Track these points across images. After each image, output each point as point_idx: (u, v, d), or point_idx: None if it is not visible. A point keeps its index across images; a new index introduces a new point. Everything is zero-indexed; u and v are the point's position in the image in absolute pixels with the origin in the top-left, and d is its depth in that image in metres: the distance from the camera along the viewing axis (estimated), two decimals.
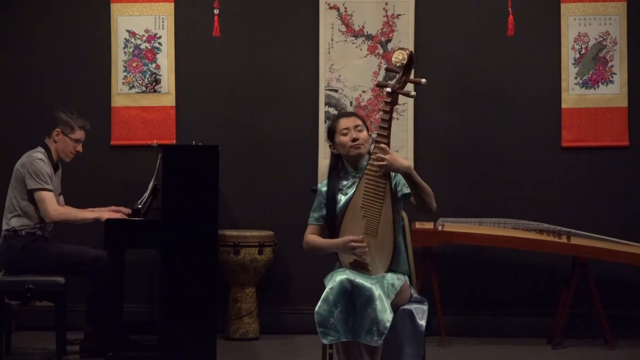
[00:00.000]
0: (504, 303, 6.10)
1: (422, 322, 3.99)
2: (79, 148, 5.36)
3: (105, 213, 5.25)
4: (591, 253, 5.61)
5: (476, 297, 6.11)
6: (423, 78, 4.06)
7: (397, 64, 4.04)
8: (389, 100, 4.02)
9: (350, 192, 4.12)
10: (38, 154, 5.22)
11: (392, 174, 4.04)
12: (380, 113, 4.05)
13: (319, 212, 4.22)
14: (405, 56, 4.02)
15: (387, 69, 4.17)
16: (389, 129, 4.01)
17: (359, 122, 4.19)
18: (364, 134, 4.16)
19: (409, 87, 4.08)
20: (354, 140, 4.12)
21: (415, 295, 4.17)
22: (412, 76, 4.09)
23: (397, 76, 4.04)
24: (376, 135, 4.03)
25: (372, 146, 4.10)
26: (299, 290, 6.16)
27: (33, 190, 5.13)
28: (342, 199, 4.14)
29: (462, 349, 5.68)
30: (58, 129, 5.28)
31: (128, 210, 5.35)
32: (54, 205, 5.14)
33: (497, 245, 5.73)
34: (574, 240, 5.64)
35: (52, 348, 5.13)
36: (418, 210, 4.11)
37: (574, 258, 5.74)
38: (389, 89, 4.03)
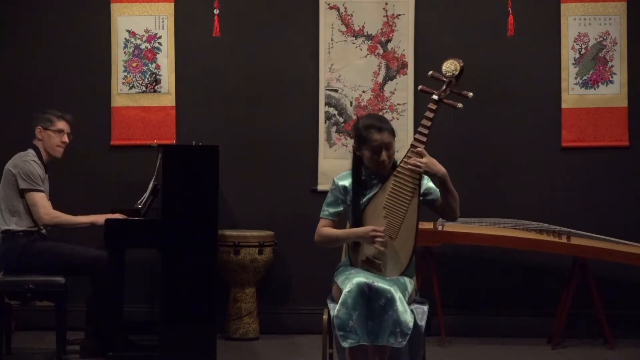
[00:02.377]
0: (504, 303, 6.11)
1: (422, 323, 3.98)
2: (65, 139, 5.32)
3: (101, 218, 5.19)
4: (591, 253, 5.61)
5: (476, 297, 6.12)
6: (470, 92, 4.01)
7: (447, 74, 4.02)
8: (433, 108, 4.00)
9: (369, 194, 4.07)
10: (29, 155, 5.22)
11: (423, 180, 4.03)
12: (423, 120, 4.00)
13: (335, 207, 4.13)
14: (458, 67, 4.01)
15: (432, 76, 4.08)
16: (427, 135, 3.98)
17: (390, 139, 4.04)
18: (392, 150, 4.06)
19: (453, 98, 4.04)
20: (382, 162, 4.02)
21: (416, 296, 4.17)
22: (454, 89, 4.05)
23: (444, 86, 4.02)
24: (413, 140, 4.00)
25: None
26: (299, 290, 6.16)
27: (25, 191, 5.12)
28: (361, 198, 4.09)
29: (462, 349, 5.69)
30: (39, 127, 5.27)
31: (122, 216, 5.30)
32: (46, 209, 5.12)
33: (497, 245, 5.73)
34: (574, 240, 5.64)
35: (52, 348, 5.13)
36: (441, 216, 4.14)
37: (574, 258, 5.74)
38: (435, 97, 4.00)
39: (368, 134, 4.03)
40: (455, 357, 5.50)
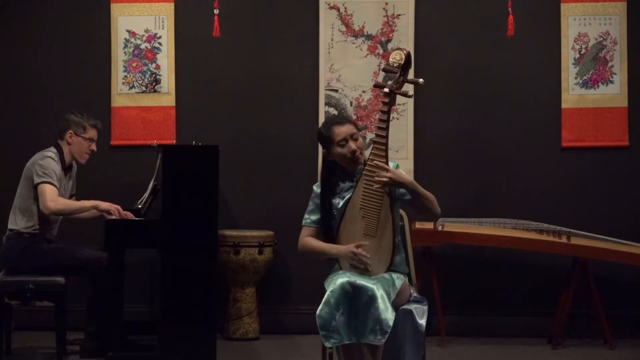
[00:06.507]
0: (504, 303, 6.10)
1: (422, 322, 3.98)
2: (93, 147, 5.37)
3: (104, 203, 5.22)
4: (591, 253, 5.61)
5: (476, 297, 6.11)
6: (421, 78, 4.04)
7: (395, 64, 4.02)
8: (386, 100, 4.01)
9: (348, 195, 4.09)
10: (49, 152, 5.24)
11: None
12: (379, 114, 4.03)
13: (316, 214, 4.17)
14: (403, 56, 4.01)
15: (384, 70, 4.12)
16: (387, 129, 3.99)
17: (354, 129, 4.10)
18: (360, 141, 4.10)
19: (407, 87, 4.06)
20: (353, 152, 4.06)
21: (415, 295, 4.17)
22: (409, 76, 4.07)
23: (395, 76, 4.04)
24: (374, 135, 4.03)
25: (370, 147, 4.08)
26: (299, 290, 6.16)
27: (37, 185, 5.13)
28: (339, 202, 4.11)
29: (462, 349, 5.68)
30: (71, 131, 5.30)
31: (126, 214, 5.28)
32: (52, 197, 5.10)
33: (497, 245, 5.73)
34: (574, 240, 5.64)
35: (52, 348, 5.13)
36: (421, 214, 4.13)
37: (574, 258, 5.74)
38: (386, 90, 4.01)
39: (330, 131, 4.09)
40: (455, 357, 5.50)
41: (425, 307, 4.05)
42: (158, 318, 5.20)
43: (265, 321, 6.01)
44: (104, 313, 5.15)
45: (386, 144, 3.98)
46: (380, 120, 4.00)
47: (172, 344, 5.00)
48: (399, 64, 4.02)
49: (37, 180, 5.14)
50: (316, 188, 4.21)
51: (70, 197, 5.41)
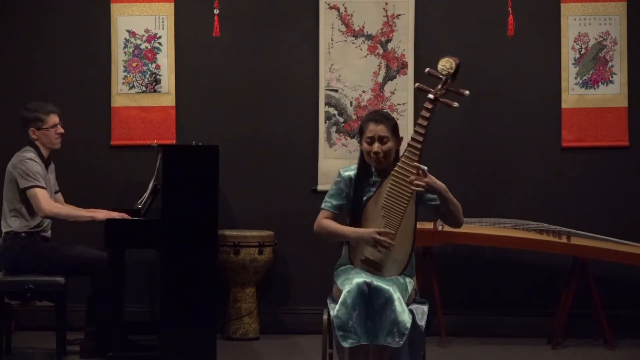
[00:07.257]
0: (504, 303, 6.11)
1: (422, 323, 3.98)
2: (60, 130, 5.29)
3: (100, 213, 5.23)
4: (591, 253, 5.61)
5: (476, 297, 6.12)
6: (467, 90, 3.98)
7: (444, 72, 4.01)
8: (429, 107, 3.98)
9: (373, 189, 4.07)
10: (27, 153, 5.20)
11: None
12: (419, 119, 4.00)
13: (338, 199, 4.11)
14: (453, 65, 4.00)
15: (429, 73, 4.08)
16: (425, 134, 3.97)
17: (386, 132, 4.04)
18: (388, 145, 4.05)
19: (450, 96, 4.03)
20: (375, 153, 4.04)
21: (416, 296, 4.18)
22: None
23: (440, 84, 4.01)
24: (411, 138, 4.00)
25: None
26: (299, 290, 6.16)
27: (25, 189, 5.11)
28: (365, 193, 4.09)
29: (462, 349, 5.68)
30: (32, 128, 5.25)
31: (122, 215, 5.28)
32: (47, 201, 5.10)
33: (497, 245, 5.73)
34: (574, 240, 5.64)
35: (52, 348, 5.13)
36: (445, 223, 4.17)
37: (574, 258, 5.74)
38: (431, 96, 3.99)
39: (365, 124, 4.10)
40: (455, 357, 5.50)
41: (426, 308, 4.05)
42: (158, 318, 5.19)
43: (265, 321, 6.01)
44: (104, 313, 5.14)
45: (421, 149, 3.97)
46: (419, 125, 3.98)
47: (172, 344, 5.00)
48: (448, 72, 4.01)
49: (24, 184, 5.11)
50: (343, 172, 4.15)
51: (54, 194, 5.39)
